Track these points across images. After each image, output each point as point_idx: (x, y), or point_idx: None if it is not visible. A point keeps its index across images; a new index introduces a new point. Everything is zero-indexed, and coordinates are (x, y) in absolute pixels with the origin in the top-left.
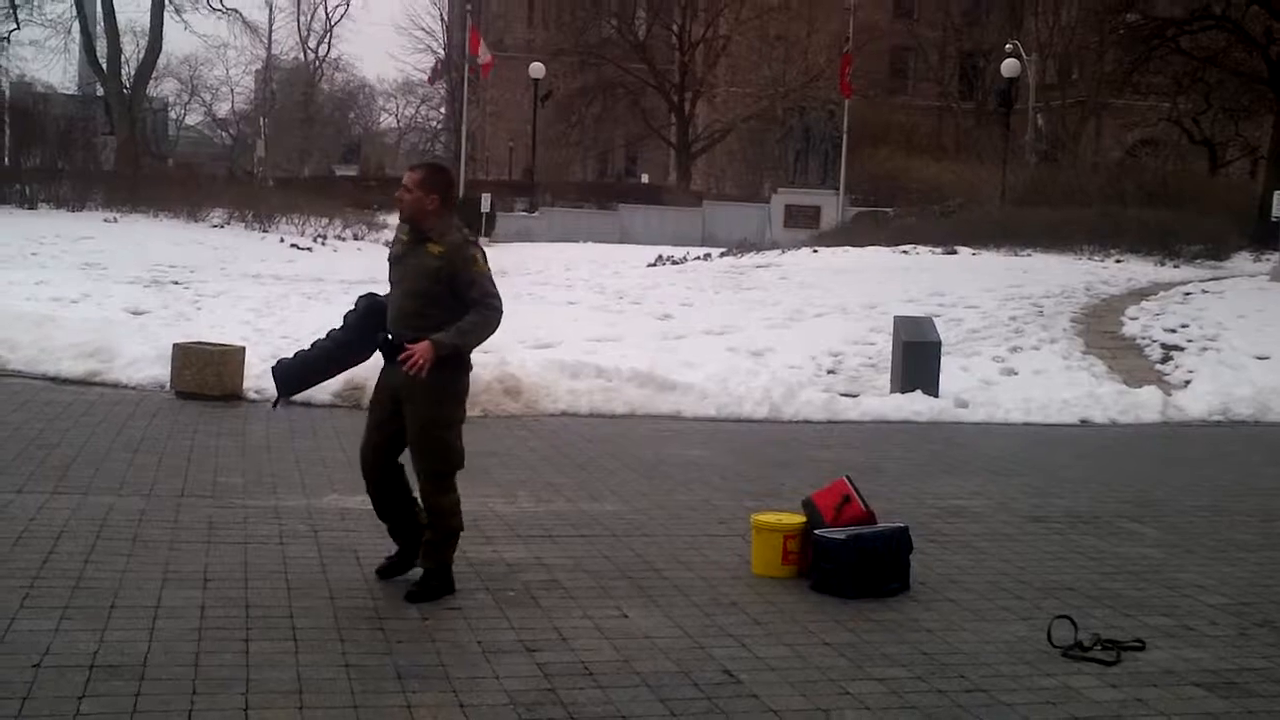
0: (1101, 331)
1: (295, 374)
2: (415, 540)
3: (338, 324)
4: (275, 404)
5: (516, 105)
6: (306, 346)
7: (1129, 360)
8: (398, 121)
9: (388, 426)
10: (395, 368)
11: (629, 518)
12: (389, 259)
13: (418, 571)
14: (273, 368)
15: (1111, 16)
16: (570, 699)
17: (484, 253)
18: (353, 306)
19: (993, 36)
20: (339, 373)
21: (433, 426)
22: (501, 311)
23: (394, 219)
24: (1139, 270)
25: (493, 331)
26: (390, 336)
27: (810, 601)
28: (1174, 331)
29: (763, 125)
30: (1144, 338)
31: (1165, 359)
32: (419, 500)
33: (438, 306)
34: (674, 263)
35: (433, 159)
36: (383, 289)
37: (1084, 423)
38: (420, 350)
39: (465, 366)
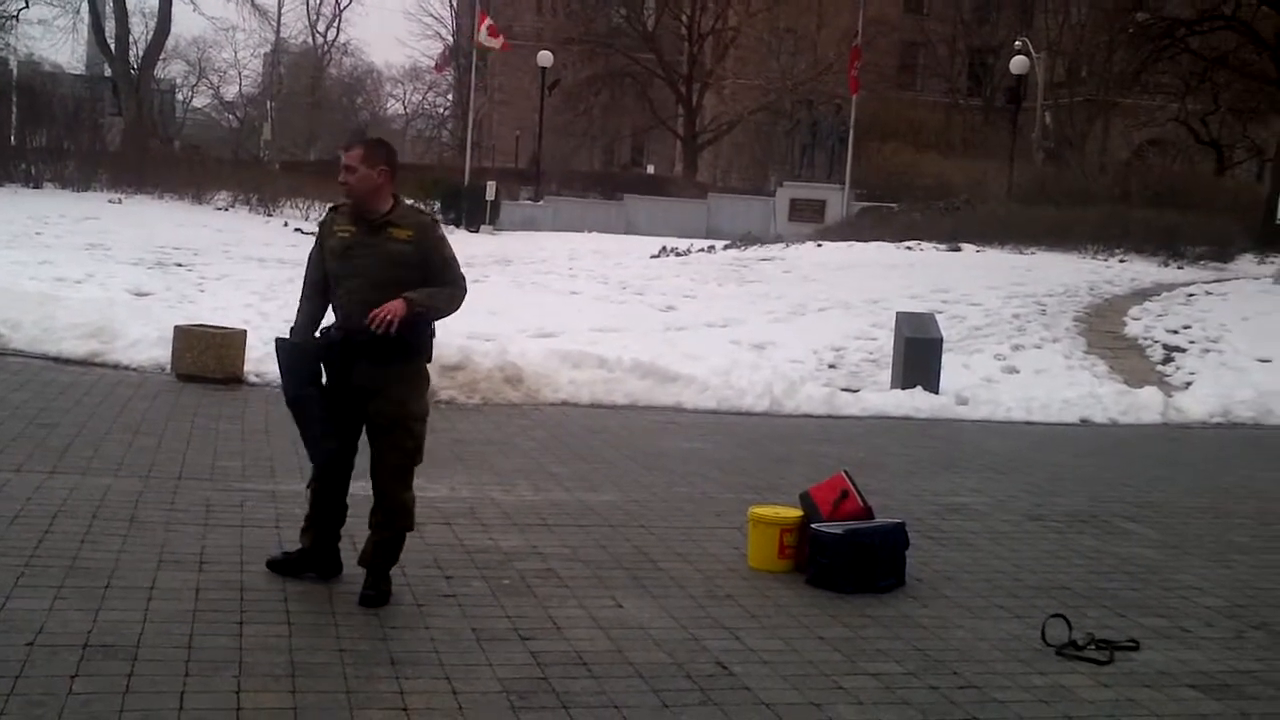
0: (1104, 331)
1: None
2: (329, 545)
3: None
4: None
5: (524, 93)
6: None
7: (1131, 360)
8: (405, 108)
9: (349, 429)
10: (354, 366)
11: (627, 508)
12: (329, 253)
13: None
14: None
15: (1121, 15)
16: (563, 688)
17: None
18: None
19: (1002, 33)
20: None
21: (409, 419)
22: (467, 293)
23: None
24: (1143, 270)
25: (457, 309)
26: (336, 333)
27: (806, 596)
28: (1176, 333)
29: (770, 118)
30: (1146, 338)
31: (1167, 360)
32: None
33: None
34: (678, 254)
35: (377, 138)
36: None
37: (1084, 422)
38: (392, 306)
39: (428, 355)
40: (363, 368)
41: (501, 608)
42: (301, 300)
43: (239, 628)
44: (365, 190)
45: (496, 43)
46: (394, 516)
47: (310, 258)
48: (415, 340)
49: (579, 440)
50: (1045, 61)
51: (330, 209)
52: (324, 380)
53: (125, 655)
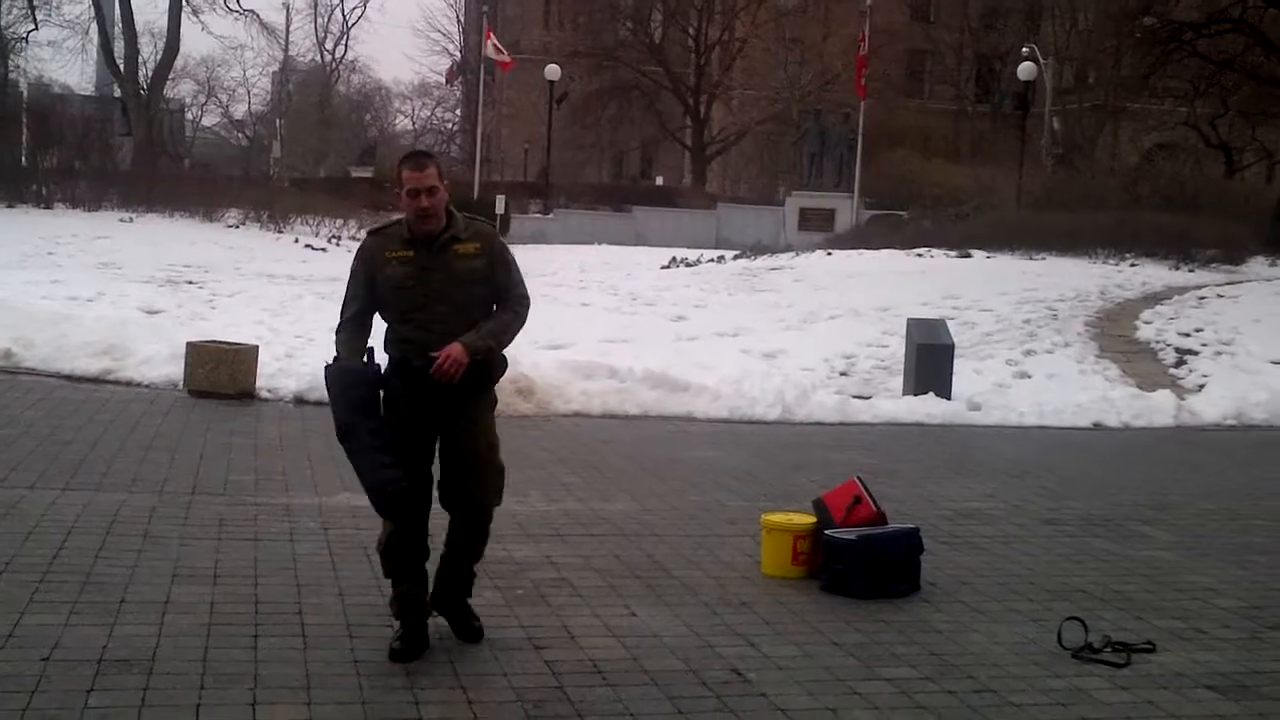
0: (1116, 335)
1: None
2: (423, 591)
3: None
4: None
5: (532, 107)
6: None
7: (1143, 364)
8: (413, 124)
9: (426, 463)
10: (434, 395)
11: (640, 517)
12: (387, 285)
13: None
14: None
15: (1128, 20)
16: (579, 697)
17: None
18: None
19: (1009, 40)
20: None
21: (490, 451)
22: (530, 304)
23: None
24: (1154, 274)
25: (523, 326)
26: (417, 362)
27: (820, 602)
28: (1188, 335)
29: (778, 128)
30: (1158, 341)
31: (1179, 363)
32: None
33: (486, 312)
34: (688, 265)
35: (422, 149)
36: None
37: (1097, 426)
38: (455, 353)
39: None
40: (446, 398)
41: (516, 618)
42: (340, 333)
43: (254, 641)
44: (444, 209)
45: (504, 57)
46: (478, 546)
47: (350, 290)
48: (493, 371)
49: (591, 451)
50: (1053, 67)
51: (369, 234)
52: (381, 409)
53: (141, 669)
